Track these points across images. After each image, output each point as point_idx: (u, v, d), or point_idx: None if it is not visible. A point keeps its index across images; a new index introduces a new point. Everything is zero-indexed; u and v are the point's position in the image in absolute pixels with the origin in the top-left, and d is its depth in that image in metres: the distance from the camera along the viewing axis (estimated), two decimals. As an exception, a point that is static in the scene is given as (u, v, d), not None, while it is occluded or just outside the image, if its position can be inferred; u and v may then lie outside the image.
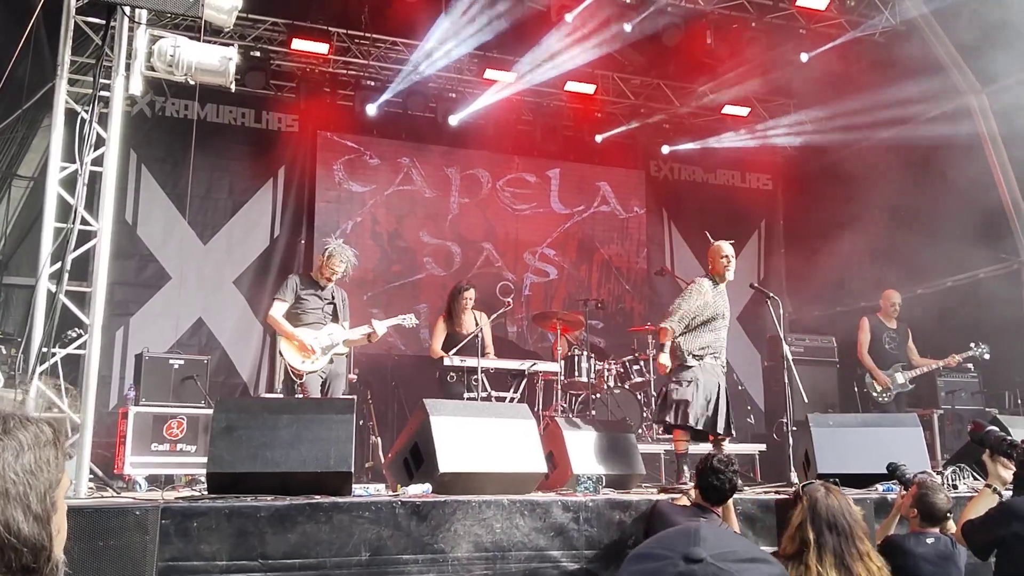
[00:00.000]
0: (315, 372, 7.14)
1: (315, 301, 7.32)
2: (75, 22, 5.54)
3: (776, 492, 6.06)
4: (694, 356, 6.57)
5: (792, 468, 6.72)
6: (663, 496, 5.46)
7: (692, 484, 5.05)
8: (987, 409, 9.09)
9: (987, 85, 10.25)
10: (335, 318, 7.39)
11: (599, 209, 12.50)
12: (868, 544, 3.36)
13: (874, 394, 8.72)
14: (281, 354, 7.22)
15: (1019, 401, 9.36)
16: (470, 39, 10.41)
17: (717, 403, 6.51)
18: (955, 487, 5.58)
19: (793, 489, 4.11)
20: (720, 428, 6.49)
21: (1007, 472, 3.96)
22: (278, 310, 7.24)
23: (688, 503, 4.97)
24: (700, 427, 6.43)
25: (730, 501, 4.88)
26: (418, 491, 4.96)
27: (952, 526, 4.24)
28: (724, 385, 6.65)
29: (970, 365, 8.56)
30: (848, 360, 10.18)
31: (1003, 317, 9.58)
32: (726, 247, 6.92)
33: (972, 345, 8.61)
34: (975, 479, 5.78)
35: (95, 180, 5.66)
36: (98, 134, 5.42)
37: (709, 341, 6.64)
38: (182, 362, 7.81)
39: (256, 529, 4.33)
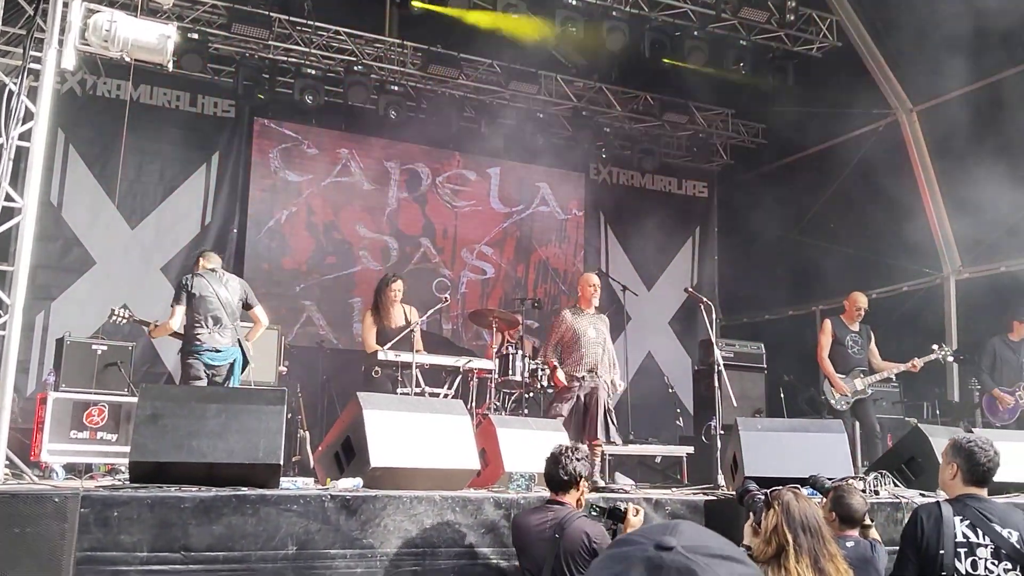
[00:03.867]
0: None
1: None
2: (6, -9, 5.34)
3: (704, 494, 6.14)
4: (574, 377, 7.51)
5: (719, 470, 6.81)
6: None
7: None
8: (906, 419, 9.36)
9: (918, 104, 10.57)
10: None
11: (538, 209, 12.54)
12: (835, 546, 3.43)
13: (832, 401, 8.27)
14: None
15: (937, 412, 9.66)
16: (414, 32, 10.36)
17: (596, 412, 7.34)
18: (876, 493, 5.70)
19: (737, 492, 4.18)
20: (600, 435, 7.26)
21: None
22: None
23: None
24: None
25: (581, 494, 4.69)
26: (348, 485, 4.89)
27: (874, 533, 4.34)
28: (603, 396, 7.45)
29: (893, 376, 8.70)
30: (775, 366, 10.39)
31: (925, 330, 9.88)
32: (593, 278, 8.00)
33: (935, 347, 8.30)
34: (895, 485, 5.93)
35: (21, 156, 5.45)
36: (27, 108, 5.22)
37: (578, 359, 7.54)
38: (105, 348, 7.57)
39: (179, 520, 4.22)
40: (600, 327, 7.77)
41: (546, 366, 7.82)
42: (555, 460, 4.57)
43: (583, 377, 7.49)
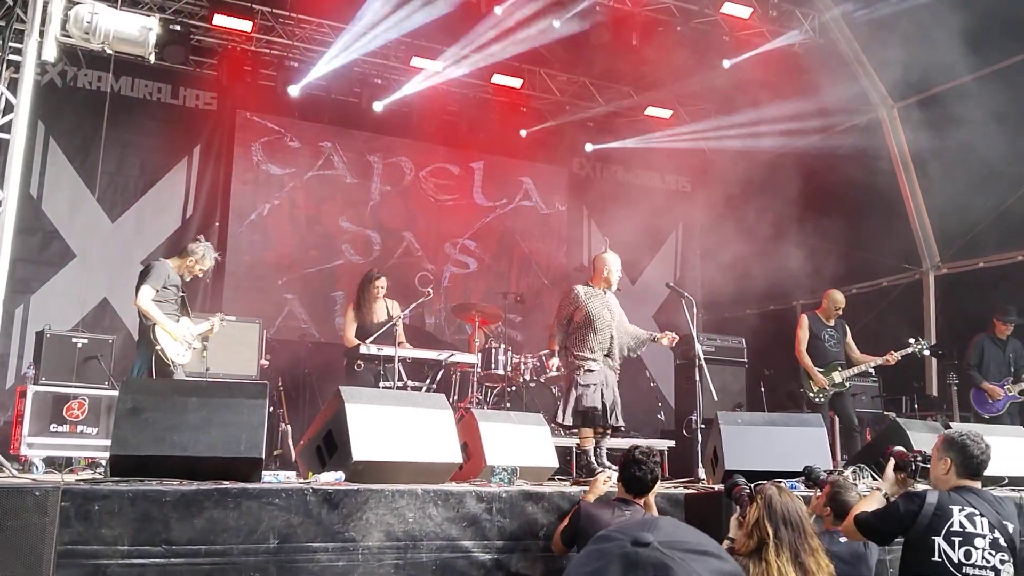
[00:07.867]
0: (184, 366, 6.92)
1: (174, 292, 7.05)
2: (-15, -19, 5.29)
3: (685, 487, 6.18)
4: (587, 359, 6.93)
5: (700, 464, 6.85)
6: (575, 490, 5.49)
7: (616, 477, 5.04)
8: (886, 413, 9.44)
9: (899, 100, 10.64)
10: (184, 311, 7.11)
11: (521, 204, 12.54)
12: (817, 540, 3.47)
13: (810, 394, 8.35)
14: (157, 341, 6.77)
15: (915, 406, 9.75)
16: (398, 25, 10.32)
17: (603, 397, 6.95)
18: (855, 487, 5.75)
19: (726, 485, 4.21)
20: (608, 420, 6.98)
21: (903, 487, 4.09)
22: (151, 295, 6.84)
23: (597, 495, 4.99)
24: (597, 422, 6.96)
25: (652, 496, 4.90)
26: (330, 479, 4.88)
27: None
28: (614, 381, 7.06)
29: (871, 370, 8.76)
30: (755, 360, 10.46)
31: (904, 324, 9.96)
32: (619, 261, 7.34)
33: (911, 341, 8.30)
34: (874, 479, 5.98)
35: (1, 148, 5.42)
36: (6, 100, 5.18)
37: (593, 343, 6.95)
38: (86, 341, 7.54)
39: (160, 514, 4.20)
40: (614, 307, 7.17)
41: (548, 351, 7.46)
42: (639, 463, 4.61)
43: (597, 362, 6.91)
